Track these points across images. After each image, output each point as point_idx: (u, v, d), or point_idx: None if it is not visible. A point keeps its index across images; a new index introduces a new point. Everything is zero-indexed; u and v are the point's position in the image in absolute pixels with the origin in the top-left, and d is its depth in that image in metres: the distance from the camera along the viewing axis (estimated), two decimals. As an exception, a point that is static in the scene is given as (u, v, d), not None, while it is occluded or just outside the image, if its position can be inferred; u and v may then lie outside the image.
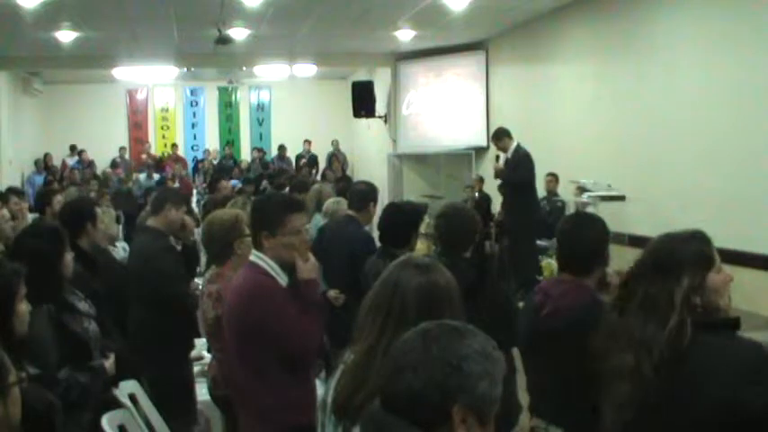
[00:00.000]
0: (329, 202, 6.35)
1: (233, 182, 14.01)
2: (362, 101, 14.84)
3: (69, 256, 3.48)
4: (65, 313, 3.26)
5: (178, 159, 17.80)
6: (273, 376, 3.12)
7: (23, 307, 2.73)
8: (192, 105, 19.98)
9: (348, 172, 17.05)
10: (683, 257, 2.12)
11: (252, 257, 3.27)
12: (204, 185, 14.93)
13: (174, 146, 18.91)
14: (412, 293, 2.11)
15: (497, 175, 9.52)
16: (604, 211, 7.16)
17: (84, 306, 3.47)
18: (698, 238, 2.19)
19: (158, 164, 17.47)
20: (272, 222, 3.13)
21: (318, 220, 6.26)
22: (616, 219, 8.11)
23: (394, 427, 1.47)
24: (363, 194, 5.28)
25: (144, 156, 17.77)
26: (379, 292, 2.18)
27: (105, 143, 18.45)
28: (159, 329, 4.40)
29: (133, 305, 4.68)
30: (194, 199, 14.41)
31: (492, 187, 11.06)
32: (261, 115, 20.20)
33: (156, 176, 15.98)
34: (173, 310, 4.50)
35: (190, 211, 9.66)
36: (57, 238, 3.41)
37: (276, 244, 3.11)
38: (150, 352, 4.38)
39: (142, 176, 16.08)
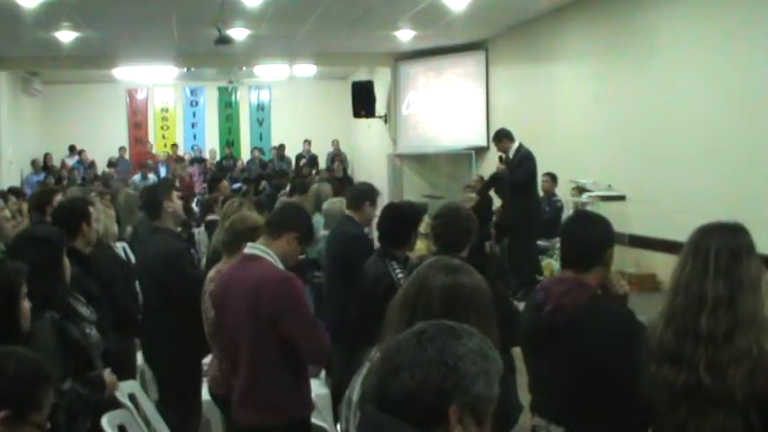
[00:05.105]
0: (327, 202, 6.34)
1: (236, 185, 13.99)
2: (362, 101, 14.82)
3: (66, 260, 3.46)
4: (68, 320, 3.22)
5: (179, 159, 17.78)
6: (284, 368, 3.21)
7: (26, 304, 2.80)
8: (191, 105, 19.96)
9: (348, 172, 17.04)
10: None
11: (256, 251, 3.31)
12: (204, 185, 14.90)
13: (175, 146, 18.90)
14: (437, 293, 2.17)
15: (500, 175, 9.53)
16: (604, 211, 7.16)
17: (85, 311, 3.45)
18: None
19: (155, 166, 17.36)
20: (308, 234, 3.51)
21: (318, 219, 6.25)
22: (616, 219, 8.06)
23: (391, 427, 1.47)
24: (359, 193, 5.24)
25: (150, 161, 17.65)
26: (407, 290, 2.24)
27: (105, 143, 18.42)
28: (186, 330, 4.31)
29: (153, 307, 4.62)
30: (195, 198, 14.37)
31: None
32: (261, 115, 20.19)
33: (152, 177, 15.88)
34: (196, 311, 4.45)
35: (189, 210, 9.69)
36: (55, 243, 3.36)
37: (296, 248, 3.39)
38: (174, 351, 4.40)
39: (137, 177, 16.02)
